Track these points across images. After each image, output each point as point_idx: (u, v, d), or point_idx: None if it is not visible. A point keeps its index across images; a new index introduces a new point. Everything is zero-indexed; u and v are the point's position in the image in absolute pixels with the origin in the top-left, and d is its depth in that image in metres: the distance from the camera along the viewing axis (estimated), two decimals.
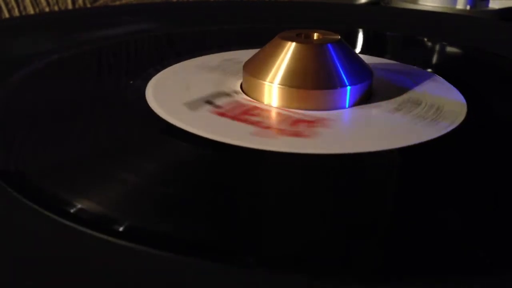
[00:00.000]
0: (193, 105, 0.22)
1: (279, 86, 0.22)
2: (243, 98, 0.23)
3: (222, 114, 0.21)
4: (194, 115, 0.21)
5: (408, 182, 0.18)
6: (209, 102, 0.22)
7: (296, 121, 0.21)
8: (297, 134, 0.19)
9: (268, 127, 0.20)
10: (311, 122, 0.20)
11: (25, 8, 0.56)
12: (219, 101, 0.22)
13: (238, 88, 0.24)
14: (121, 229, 0.14)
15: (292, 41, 0.22)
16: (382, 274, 0.13)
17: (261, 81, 0.22)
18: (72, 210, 0.15)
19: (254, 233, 0.15)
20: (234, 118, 0.21)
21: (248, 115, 0.21)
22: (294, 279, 0.13)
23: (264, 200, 0.16)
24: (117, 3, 0.59)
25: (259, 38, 0.26)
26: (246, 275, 0.13)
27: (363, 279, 0.13)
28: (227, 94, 0.23)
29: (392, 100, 0.23)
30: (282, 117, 0.21)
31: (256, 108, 0.22)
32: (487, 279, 0.13)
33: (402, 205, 0.16)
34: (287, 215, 0.15)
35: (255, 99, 0.23)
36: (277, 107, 0.22)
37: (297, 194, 0.16)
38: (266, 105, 0.22)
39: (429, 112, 0.22)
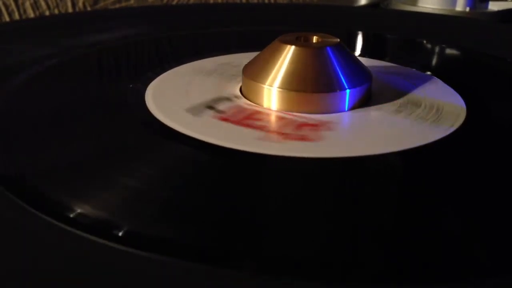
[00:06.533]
0: (195, 111, 0.22)
1: (279, 89, 0.22)
2: (243, 102, 0.23)
3: (225, 119, 0.21)
4: (197, 120, 0.21)
5: (409, 184, 0.18)
6: (210, 107, 0.22)
7: (300, 125, 0.21)
8: (301, 138, 0.19)
9: (272, 132, 0.20)
10: (313, 126, 0.21)
11: (25, 11, 0.56)
12: (221, 106, 0.22)
13: (238, 92, 0.24)
14: (120, 234, 0.14)
15: (292, 44, 0.22)
16: (383, 277, 0.13)
17: (261, 85, 0.22)
18: (71, 215, 0.15)
19: (259, 239, 0.15)
20: (237, 123, 0.21)
21: (251, 119, 0.21)
22: (295, 284, 0.13)
23: (271, 204, 0.16)
24: (117, 6, 0.59)
25: (258, 41, 0.26)
26: (248, 281, 0.13)
27: (364, 283, 0.13)
28: (228, 99, 0.23)
29: (392, 103, 0.23)
30: (285, 121, 0.21)
31: (258, 112, 0.22)
32: (487, 282, 0.13)
33: (403, 208, 0.16)
34: (293, 220, 0.15)
35: (254, 103, 0.23)
36: (277, 111, 0.22)
37: (302, 198, 0.16)
38: (266, 108, 0.22)
39: (428, 114, 0.22)
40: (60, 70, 0.28)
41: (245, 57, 0.25)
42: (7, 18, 0.55)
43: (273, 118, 0.21)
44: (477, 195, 0.17)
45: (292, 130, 0.20)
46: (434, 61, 0.34)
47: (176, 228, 0.15)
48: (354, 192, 0.17)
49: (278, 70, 0.22)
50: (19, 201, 0.15)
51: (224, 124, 0.21)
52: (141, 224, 0.15)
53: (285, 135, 0.20)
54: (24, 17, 0.56)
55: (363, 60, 0.24)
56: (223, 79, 0.26)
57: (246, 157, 0.18)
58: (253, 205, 0.16)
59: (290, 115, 0.21)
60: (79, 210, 0.15)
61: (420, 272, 0.13)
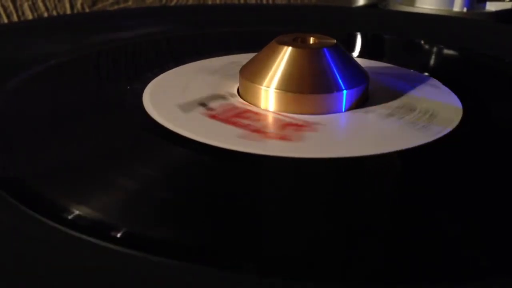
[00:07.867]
0: (186, 107, 0.22)
1: (276, 90, 0.22)
2: (238, 101, 0.23)
3: (213, 117, 0.21)
4: (186, 117, 0.21)
5: (400, 186, 0.18)
6: (202, 104, 0.22)
7: (286, 125, 0.21)
8: (285, 138, 0.20)
9: (256, 131, 0.20)
10: (302, 126, 0.21)
11: (23, 13, 0.56)
12: (213, 104, 0.22)
13: (235, 92, 0.24)
14: (118, 234, 0.14)
15: (289, 45, 0.22)
16: (379, 279, 0.13)
17: (258, 86, 0.22)
18: (69, 216, 0.15)
19: (246, 237, 0.15)
20: (224, 120, 0.21)
21: (238, 118, 0.21)
22: (288, 285, 0.13)
23: (249, 204, 0.16)
24: (115, 7, 0.59)
25: (255, 42, 0.26)
26: (242, 281, 0.13)
27: (359, 285, 0.13)
28: (223, 97, 0.23)
29: (389, 104, 0.23)
30: (273, 121, 0.21)
31: (248, 111, 0.22)
32: (484, 283, 0.13)
33: (394, 210, 0.16)
34: (272, 219, 0.15)
35: (252, 103, 0.23)
36: (273, 111, 0.22)
37: (285, 198, 0.16)
38: (263, 109, 0.22)
39: (424, 116, 0.22)
40: (59, 71, 0.28)
41: (244, 58, 0.25)
42: (5, 20, 0.55)
43: (262, 117, 0.21)
44: (471, 195, 0.17)
45: (279, 129, 0.20)
46: (431, 62, 0.34)
47: (171, 229, 0.15)
48: (340, 193, 0.17)
49: (275, 72, 0.22)
50: (17, 203, 0.15)
51: (211, 121, 0.21)
52: (140, 226, 0.15)
53: (271, 135, 0.20)
54: (22, 18, 0.56)
55: (361, 61, 0.24)
56: (223, 78, 0.26)
57: (224, 155, 0.18)
58: (234, 205, 0.16)
59: (282, 115, 0.21)
60: (76, 212, 0.15)
61: (416, 275, 0.13)
